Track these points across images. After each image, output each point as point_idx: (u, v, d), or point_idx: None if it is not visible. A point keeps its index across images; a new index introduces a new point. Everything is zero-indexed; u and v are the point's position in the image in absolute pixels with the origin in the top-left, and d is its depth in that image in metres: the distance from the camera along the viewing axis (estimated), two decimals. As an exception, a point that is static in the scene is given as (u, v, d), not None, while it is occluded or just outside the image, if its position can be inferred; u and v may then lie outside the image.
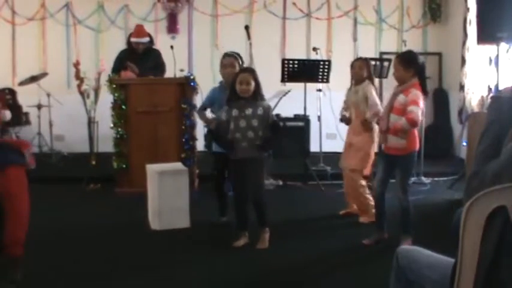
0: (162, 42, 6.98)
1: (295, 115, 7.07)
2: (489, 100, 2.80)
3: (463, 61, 6.87)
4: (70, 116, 7.27)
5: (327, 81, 6.29)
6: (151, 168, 4.71)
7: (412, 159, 4.00)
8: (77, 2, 7.70)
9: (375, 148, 4.67)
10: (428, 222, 4.54)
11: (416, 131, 4.00)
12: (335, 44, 7.86)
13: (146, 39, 6.01)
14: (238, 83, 3.95)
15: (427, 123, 7.45)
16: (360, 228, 4.54)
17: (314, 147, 6.85)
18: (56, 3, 7.67)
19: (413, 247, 2.27)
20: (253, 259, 3.81)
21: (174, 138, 5.64)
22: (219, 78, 4.75)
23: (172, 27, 7.76)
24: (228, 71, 4.44)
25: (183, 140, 5.61)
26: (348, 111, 4.83)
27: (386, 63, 6.32)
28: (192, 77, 5.67)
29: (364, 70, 4.67)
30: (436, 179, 6.33)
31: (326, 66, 6.21)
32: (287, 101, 6.41)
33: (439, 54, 7.99)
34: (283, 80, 6.38)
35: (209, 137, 4.47)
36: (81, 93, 6.58)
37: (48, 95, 7.04)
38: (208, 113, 4.75)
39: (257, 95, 4.00)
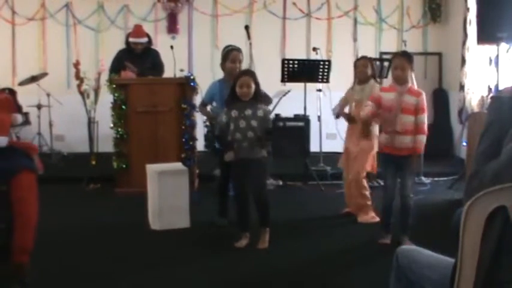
0: (162, 42, 6.98)
1: (295, 115, 7.07)
2: (489, 100, 2.80)
3: (463, 61, 6.86)
4: (70, 116, 7.26)
5: (327, 81, 6.29)
6: (151, 168, 4.71)
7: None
8: (77, 2, 7.69)
9: (375, 148, 4.66)
10: (428, 222, 4.54)
11: None
12: (335, 44, 7.85)
13: (144, 39, 6.00)
14: (238, 86, 3.95)
15: (427, 123, 7.41)
16: (360, 228, 4.54)
17: (314, 147, 6.84)
18: (56, 3, 7.67)
19: (413, 247, 2.28)
20: (253, 259, 3.81)
21: (174, 138, 5.64)
22: (219, 77, 4.75)
23: (172, 27, 7.76)
24: (236, 65, 4.47)
25: (183, 140, 5.61)
26: (349, 110, 4.84)
27: (386, 63, 6.32)
28: (192, 77, 5.67)
29: (368, 68, 4.69)
30: (436, 179, 6.32)
31: (326, 66, 6.20)
32: (287, 101, 6.40)
33: (439, 54, 7.99)
34: (283, 80, 6.38)
35: (210, 137, 4.47)
36: (81, 93, 6.58)
37: (48, 95, 7.04)
38: (209, 109, 4.76)
39: (257, 96, 4.00)
